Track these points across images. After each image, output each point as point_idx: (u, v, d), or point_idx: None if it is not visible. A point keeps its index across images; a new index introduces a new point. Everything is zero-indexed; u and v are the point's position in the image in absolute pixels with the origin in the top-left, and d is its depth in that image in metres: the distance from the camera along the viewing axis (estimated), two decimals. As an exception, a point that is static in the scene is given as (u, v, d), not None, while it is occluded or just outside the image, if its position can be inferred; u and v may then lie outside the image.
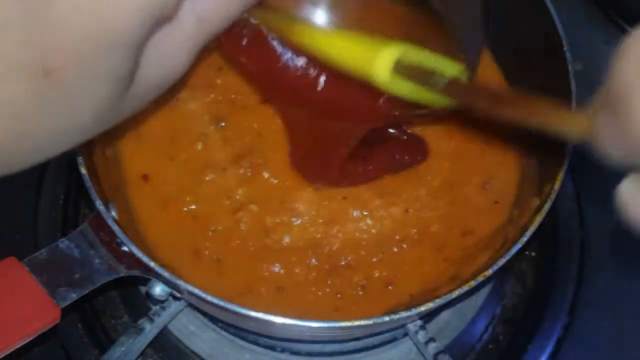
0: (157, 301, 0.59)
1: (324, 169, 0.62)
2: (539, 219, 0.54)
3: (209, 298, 0.50)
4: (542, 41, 0.61)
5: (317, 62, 0.54)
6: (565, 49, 0.58)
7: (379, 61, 0.46)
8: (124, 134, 0.63)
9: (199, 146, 0.63)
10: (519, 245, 0.53)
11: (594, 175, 0.73)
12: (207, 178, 0.62)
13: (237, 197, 0.61)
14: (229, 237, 0.60)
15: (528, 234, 0.54)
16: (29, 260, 0.51)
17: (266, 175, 0.62)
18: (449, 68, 0.49)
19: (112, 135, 0.62)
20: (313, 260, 0.60)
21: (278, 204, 0.61)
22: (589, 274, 0.70)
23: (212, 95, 0.65)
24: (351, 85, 0.50)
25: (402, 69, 0.46)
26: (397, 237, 0.61)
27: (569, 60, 0.58)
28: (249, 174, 0.62)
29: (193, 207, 0.61)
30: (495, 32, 0.67)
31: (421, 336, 0.59)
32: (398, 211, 0.62)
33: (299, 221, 0.61)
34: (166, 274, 0.51)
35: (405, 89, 0.47)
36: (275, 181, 0.62)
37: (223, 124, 0.64)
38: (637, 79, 0.32)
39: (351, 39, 0.49)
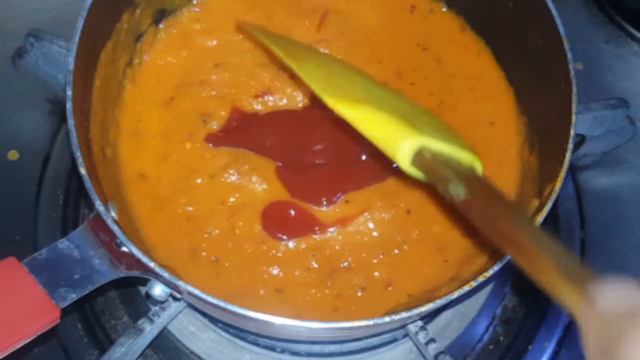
0: (156, 302, 0.59)
1: (315, 191, 0.62)
2: (539, 219, 0.54)
3: (209, 298, 0.50)
4: (543, 41, 0.61)
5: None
6: (565, 48, 0.58)
7: (400, 154, 0.52)
8: (123, 132, 0.63)
9: (188, 145, 0.63)
10: (519, 246, 0.53)
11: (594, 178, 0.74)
12: (199, 180, 0.62)
13: (230, 202, 0.61)
14: (225, 239, 0.60)
15: (528, 234, 0.53)
16: (29, 261, 0.51)
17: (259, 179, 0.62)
18: (465, 157, 0.52)
19: (111, 134, 0.62)
20: (313, 263, 0.60)
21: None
22: (590, 274, 0.69)
23: (205, 94, 0.65)
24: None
25: (420, 158, 0.51)
26: (399, 239, 0.61)
27: (570, 60, 0.58)
28: (240, 180, 0.62)
29: (189, 208, 0.61)
30: (497, 32, 0.67)
31: (422, 337, 0.59)
32: (400, 212, 0.62)
33: None
34: (166, 275, 0.51)
35: (422, 174, 0.52)
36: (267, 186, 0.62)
37: (215, 123, 0.64)
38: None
39: (382, 118, 0.53)
